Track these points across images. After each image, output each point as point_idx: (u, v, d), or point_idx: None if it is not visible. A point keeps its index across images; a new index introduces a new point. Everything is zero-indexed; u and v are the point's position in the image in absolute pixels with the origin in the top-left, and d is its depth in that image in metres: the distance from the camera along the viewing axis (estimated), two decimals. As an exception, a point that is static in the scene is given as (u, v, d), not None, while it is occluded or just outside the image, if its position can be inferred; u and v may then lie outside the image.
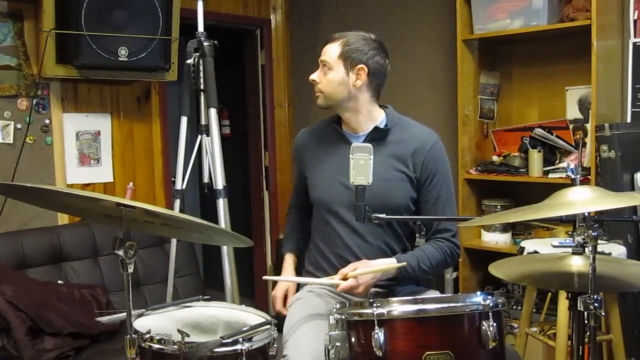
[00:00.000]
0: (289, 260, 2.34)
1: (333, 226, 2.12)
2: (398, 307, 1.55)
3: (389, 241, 2.10)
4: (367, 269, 1.97)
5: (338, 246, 2.12)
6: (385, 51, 2.10)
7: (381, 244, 2.09)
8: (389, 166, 2.08)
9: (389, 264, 2.01)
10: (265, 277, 2.22)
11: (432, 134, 2.15)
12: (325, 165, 2.16)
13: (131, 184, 3.52)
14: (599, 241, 1.53)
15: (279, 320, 1.88)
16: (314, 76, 2.13)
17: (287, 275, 2.31)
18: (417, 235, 2.21)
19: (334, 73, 2.07)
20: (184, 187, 2.80)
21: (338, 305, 1.66)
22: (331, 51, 2.08)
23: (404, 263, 2.00)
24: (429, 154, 2.09)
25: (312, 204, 2.22)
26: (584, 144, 3.03)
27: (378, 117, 2.15)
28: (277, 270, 2.21)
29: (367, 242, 2.09)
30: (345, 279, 1.96)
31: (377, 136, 2.10)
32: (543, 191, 1.86)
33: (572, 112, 3.24)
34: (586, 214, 1.50)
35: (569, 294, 1.60)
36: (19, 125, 3.16)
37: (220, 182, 2.73)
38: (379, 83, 2.12)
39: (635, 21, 3.00)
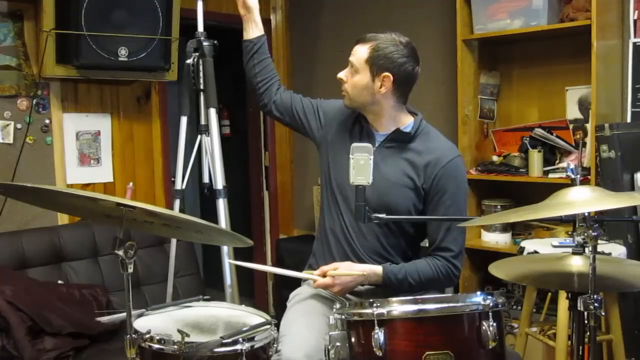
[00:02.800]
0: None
1: (342, 210, 2.12)
2: (398, 307, 1.55)
3: (383, 241, 2.09)
4: (346, 271, 1.98)
5: (341, 234, 2.12)
6: (415, 58, 2.06)
7: (376, 242, 2.09)
8: (400, 170, 2.07)
9: (372, 270, 2.01)
10: (230, 261, 2.16)
11: (453, 151, 2.12)
12: (344, 150, 2.05)
13: (131, 184, 3.52)
14: (599, 241, 1.53)
15: (279, 320, 1.88)
16: (341, 75, 2.11)
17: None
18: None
19: (360, 77, 2.05)
20: (183, 187, 2.80)
21: (338, 305, 1.66)
22: (360, 53, 2.05)
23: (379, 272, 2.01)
24: (443, 169, 2.04)
25: (328, 184, 2.19)
26: (584, 144, 3.03)
27: (404, 121, 2.13)
28: (281, 268, 2.18)
29: (364, 236, 2.09)
30: (324, 276, 1.98)
31: (399, 138, 2.10)
32: (543, 191, 1.86)
33: (572, 112, 3.24)
34: (586, 214, 1.50)
35: (569, 294, 1.60)
36: (19, 125, 3.16)
37: (220, 182, 2.73)
38: (405, 90, 2.09)
39: (635, 21, 3.00)
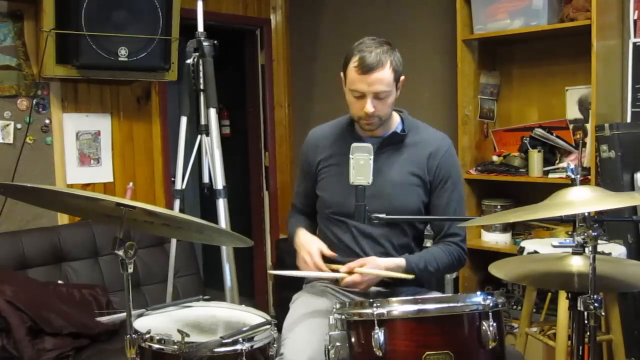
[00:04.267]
0: (303, 230, 2.15)
1: (343, 229, 2.09)
2: (398, 307, 1.55)
3: (394, 242, 2.09)
4: (374, 271, 1.95)
5: (349, 251, 2.07)
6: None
7: (388, 244, 2.08)
8: (405, 170, 2.08)
9: (395, 264, 2.00)
10: (270, 272, 2.19)
11: (446, 139, 2.16)
12: (341, 168, 2.05)
13: (131, 184, 3.52)
14: (599, 241, 1.53)
15: (279, 320, 1.88)
16: (370, 109, 1.97)
17: (311, 241, 2.08)
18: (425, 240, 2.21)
19: (392, 96, 2.01)
20: (183, 187, 2.80)
21: (338, 305, 1.66)
22: (386, 79, 1.96)
23: (411, 276, 1.98)
24: (443, 158, 2.09)
25: (321, 207, 2.16)
26: (584, 144, 3.03)
27: (394, 120, 2.14)
28: (281, 267, 2.18)
29: (376, 241, 2.07)
30: (350, 273, 1.95)
31: (394, 141, 2.10)
32: (543, 191, 1.86)
33: (572, 112, 3.24)
34: (586, 214, 1.50)
35: (569, 294, 1.60)
36: (19, 125, 3.16)
37: (220, 182, 2.73)
38: None
39: (635, 21, 3.00)
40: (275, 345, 1.74)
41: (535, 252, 2.56)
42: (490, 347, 1.54)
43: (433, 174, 2.08)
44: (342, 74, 2.06)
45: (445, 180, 2.09)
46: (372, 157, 1.75)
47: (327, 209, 2.14)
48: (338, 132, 2.18)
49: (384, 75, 1.95)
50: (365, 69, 1.93)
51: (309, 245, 2.04)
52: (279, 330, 1.80)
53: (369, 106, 1.96)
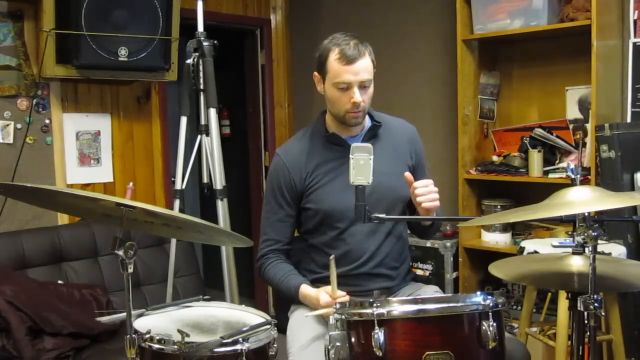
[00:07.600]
0: (309, 288, 2.02)
1: (352, 237, 2.05)
2: (398, 307, 1.55)
3: (392, 232, 2.12)
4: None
5: (363, 253, 2.05)
6: None
7: (385, 237, 2.10)
8: (392, 160, 2.11)
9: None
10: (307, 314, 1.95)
11: (409, 122, 2.25)
12: (335, 173, 2.05)
13: (131, 184, 3.52)
14: (599, 241, 1.53)
15: (279, 321, 1.88)
16: (359, 98, 1.97)
17: (317, 292, 1.97)
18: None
19: (372, 86, 2.02)
20: (183, 187, 2.80)
21: (338, 305, 1.66)
22: (368, 67, 1.98)
23: None
24: (418, 142, 2.22)
25: (315, 219, 2.08)
26: (584, 144, 3.03)
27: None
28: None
29: (375, 239, 2.07)
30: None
31: (374, 133, 2.12)
32: (543, 191, 1.86)
33: (572, 112, 3.24)
34: (586, 214, 1.50)
35: (569, 294, 1.60)
36: (19, 125, 3.16)
37: (219, 182, 2.74)
38: None
39: (635, 21, 3.00)
40: (275, 345, 1.74)
41: (535, 252, 2.56)
42: (490, 347, 1.53)
43: (415, 158, 2.18)
44: (316, 73, 2.05)
45: (422, 161, 2.21)
46: (372, 156, 1.74)
47: (332, 220, 2.06)
48: (313, 141, 2.12)
49: (366, 63, 1.98)
50: (349, 58, 1.95)
51: (321, 297, 1.92)
52: (279, 330, 1.80)
53: (358, 95, 1.97)
